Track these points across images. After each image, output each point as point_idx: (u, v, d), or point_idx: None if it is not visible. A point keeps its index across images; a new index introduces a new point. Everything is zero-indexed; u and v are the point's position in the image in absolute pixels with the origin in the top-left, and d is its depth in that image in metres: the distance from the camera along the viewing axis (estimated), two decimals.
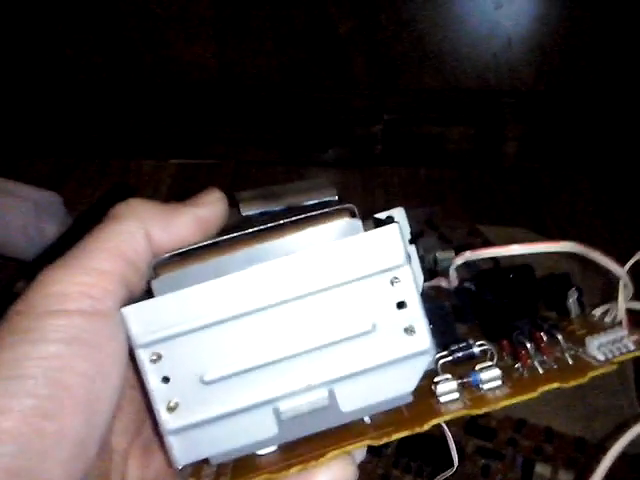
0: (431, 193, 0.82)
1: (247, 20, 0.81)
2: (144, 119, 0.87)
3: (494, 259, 0.29)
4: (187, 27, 0.82)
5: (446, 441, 0.27)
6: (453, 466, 0.28)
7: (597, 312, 0.28)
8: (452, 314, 0.27)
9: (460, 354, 0.25)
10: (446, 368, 0.24)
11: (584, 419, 0.54)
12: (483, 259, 0.27)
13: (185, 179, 0.85)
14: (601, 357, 0.24)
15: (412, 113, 0.84)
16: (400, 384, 0.22)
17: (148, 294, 0.22)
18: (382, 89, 0.83)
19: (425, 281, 0.25)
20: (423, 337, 0.22)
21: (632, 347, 0.24)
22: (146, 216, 0.22)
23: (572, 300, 0.28)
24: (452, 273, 0.28)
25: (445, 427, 0.26)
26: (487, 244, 0.71)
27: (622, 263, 0.26)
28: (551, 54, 0.79)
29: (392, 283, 0.22)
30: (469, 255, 0.27)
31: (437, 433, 0.28)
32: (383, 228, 0.22)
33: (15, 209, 0.69)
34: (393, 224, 0.22)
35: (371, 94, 0.84)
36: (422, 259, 0.76)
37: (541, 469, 0.48)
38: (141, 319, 0.21)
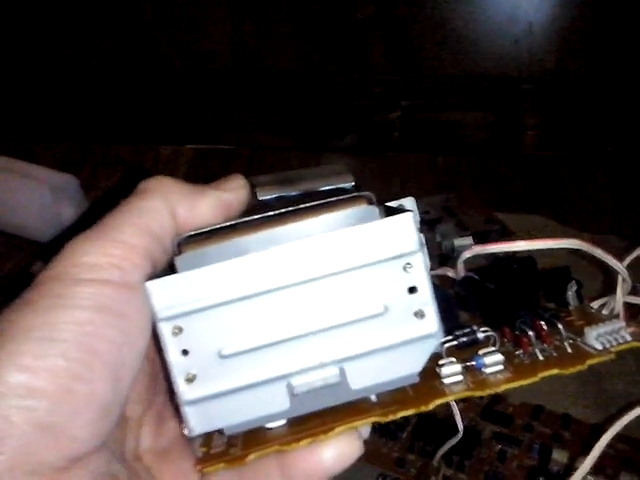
0: (448, 180, 0.81)
1: (263, 4, 0.80)
2: (160, 104, 0.87)
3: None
4: (203, 11, 0.82)
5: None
6: (458, 434, 0.30)
7: (595, 305, 0.29)
8: (455, 301, 0.29)
9: (464, 339, 0.26)
10: (450, 352, 0.25)
11: (602, 405, 0.54)
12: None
13: (201, 164, 0.85)
14: (599, 346, 0.25)
15: (430, 99, 0.83)
16: (408, 365, 0.23)
17: (171, 270, 0.22)
18: (400, 75, 0.83)
19: (432, 269, 0.25)
20: (432, 321, 0.23)
21: (629, 338, 0.25)
22: (173, 195, 0.23)
23: (571, 292, 0.29)
24: (460, 264, 0.29)
25: (453, 404, 0.27)
26: (505, 231, 0.71)
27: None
28: (573, 41, 0.78)
29: (405, 269, 0.23)
30: (478, 250, 0.28)
31: (451, 419, 0.29)
32: (398, 216, 0.22)
33: (32, 191, 0.70)
34: (408, 212, 0.23)
35: (389, 80, 0.83)
36: (439, 245, 0.75)
37: (558, 455, 0.48)
38: (164, 293, 0.22)
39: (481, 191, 0.79)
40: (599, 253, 0.26)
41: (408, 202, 0.27)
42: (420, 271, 0.23)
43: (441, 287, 0.28)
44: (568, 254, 0.67)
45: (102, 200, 0.73)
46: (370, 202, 0.23)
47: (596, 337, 0.25)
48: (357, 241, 0.22)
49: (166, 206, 0.23)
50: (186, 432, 0.23)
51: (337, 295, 0.22)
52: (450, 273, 0.30)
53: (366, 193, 0.23)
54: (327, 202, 0.23)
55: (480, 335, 0.26)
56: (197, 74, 0.86)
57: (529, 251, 0.27)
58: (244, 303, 0.22)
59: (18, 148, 0.82)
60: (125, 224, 0.22)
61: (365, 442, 0.24)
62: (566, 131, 0.83)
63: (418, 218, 0.25)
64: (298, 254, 0.22)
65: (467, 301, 0.29)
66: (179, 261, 0.22)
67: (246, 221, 0.23)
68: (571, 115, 0.82)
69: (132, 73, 0.87)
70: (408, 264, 0.22)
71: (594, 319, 0.27)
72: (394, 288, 0.23)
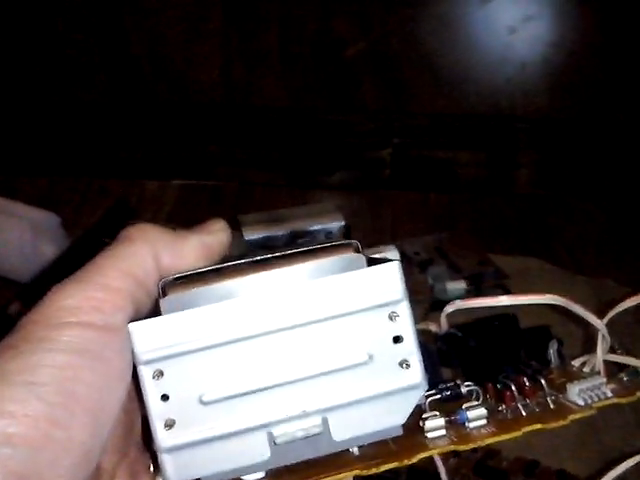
0: (440, 219, 0.80)
1: (254, 40, 0.80)
2: (147, 139, 0.86)
3: None
4: (193, 46, 0.81)
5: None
6: None
7: (576, 363, 0.29)
8: (438, 357, 0.29)
9: (448, 392, 0.26)
10: (434, 406, 0.25)
11: (599, 459, 0.52)
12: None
13: (188, 200, 0.83)
14: (581, 402, 0.26)
15: (422, 137, 0.82)
16: (392, 416, 0.23)
17: (155, 314, 0.22)
18: (392, 112, 0.82)
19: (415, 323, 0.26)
20: (416, 371, 0.23)
21: (610, 394, 0.26)
22: (156, 240, 0.24)
23: (552, 350, 0.29)
24: (443, 319, 0.29)
25: (437, 457, 0.28)
26: (499, 274, 0.69)
27: (603, 315, 0.27)
28: (566, 80, 0.78)
29: (390, 318, 0.23)
30: (460, 304, 0.28)
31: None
32: (385, 265, 0.23)
33: (11, 228, 0.68)
34: (395, 261, 0.23)
35: (380, 117, 0.82)
36: (431, 288, 0.73)
37: None
38: (147, 336, 0.22)
39: (475, 231, 0.78)
40: (578, 309, 0.27)
41: (390, 252, 0.26)
42: (405, 320, 0.23)
43: (424, 342, 0.28)
44: (551, 311, 0.66)
45: (83, 238, 0.70)
46: (357, 250, 0.23)
47: (578, 393, 0.26)
48: (343, 289, 0.22)
49: (149, 251, 0.23)
50: None
51: (321, 343, 0.22)
52: (433, 327, 0.30)
53: (353, 241, 0.23)
54: (314, 249, 0.23)
55: (463, 389, 0.26)
56: (186, 108, 0.85)
57: (511, 307, 0.28)
58: (227, 348, 0.22)
59: None
60: (108, 268, 0.22)
61: None
62: (560, 170, 0.82)
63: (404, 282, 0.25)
64: (284, 300, 0.22)
65: (449, 357, 0.29)
66: (164, 303, 0.22)
67: (232, 265, 0.23)
68: (565, 154, 0.81)
69: (120, 106, 0.85)
70: (394, 312, 0.23)
71: (575, 376, 0.27)
72: (379, 337, 0.23)
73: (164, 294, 0.22)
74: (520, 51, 0.77)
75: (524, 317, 0.30)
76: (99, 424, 0.21)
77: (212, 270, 0.23)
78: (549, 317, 0.31)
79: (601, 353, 0.28)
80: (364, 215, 0.79)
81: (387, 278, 0.22)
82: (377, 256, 0.26)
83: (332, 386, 0.22)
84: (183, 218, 0.78)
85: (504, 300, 0.27)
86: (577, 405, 0.26)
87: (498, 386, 0.27)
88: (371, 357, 0.22)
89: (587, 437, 0.54)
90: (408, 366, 0.23)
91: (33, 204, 0.72)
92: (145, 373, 0.22)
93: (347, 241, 0.23)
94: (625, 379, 0.27)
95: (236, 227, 0.28)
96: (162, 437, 0.22)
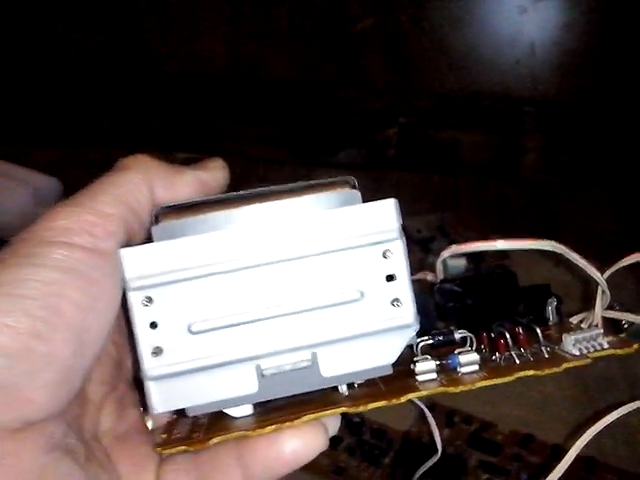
0: (444, 200, 0.79)
1: (262, 14, 0.79)
2: (153, 111, 0.86)
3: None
4: (199, 19, 0.81)
5: (445, 454, 0.27)
6: (437, 453, 0.30)
7: (574, 320, 0.28)
8: (434, 307, 0.29)
9: (441, 337, 0.26)
10: (426, 350, 0.25)
11: (595, 436, 0.52)
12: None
13: None
14: (576, 352, 0.26)
15: (429, 117, 0.82)
16: (382, 355, 0.23)
17: (148, 241, 0.22)
18: (398, 91, 0.81)
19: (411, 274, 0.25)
20: (408, 310, 0.22)
21: (606, 345, 0.26)
22: (151, 171, 0.24)
23: (551, 308, 0.29)
24: (439, 266, 0.29)
25: (427, 412, 0.29)
26: (499, 253, 0.68)
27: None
28: (575, 63, 0.77)
29: (384, 255, 0.22)
30: (455, 249, 0.28)
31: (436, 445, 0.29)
32: (381, 201, 0.22)
33: (13, 192, 0.68)
34: (391, 199, 0.22)
35: (387, 95, 0.81)
36: (432, 265, 0.73)
37: None
38: (137, 262, 0.22)
39: (478, 213, 0.77)
40: (576, 258, 0.26)
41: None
42: (399, 259, 0.22)
43: (420, 293, 0.28)
44: (551, 273, 0.65)
45: None
46: (353, 187, 0.23)
47: (573, 343, 0.26)
48: (338, 224, 0.22)
49: (144, 180, 0.23)
50: (149, 410, 0.22)
51: (313, 278, 0.22)
52: (429, 277, 0.30)
53: (349, 177, 0.23)
54: (311, 184, 0.23)
55: (457, 335, 0.26)
56: (191, 81, 0.84)
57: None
58: (219, 279, 0.22)
59: (3, 151, 0.80)
60: (101, 193, 0.22)
61: (347, 467, 0.22)
62: (567, 154, 0.81)
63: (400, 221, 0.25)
64: (277, 232, 0.22)
65: (446, 311, 0.29)
66: (156, 230, 0.22)
67: (227, 197, 0.23)
68: (573, 138, 0.81)
69: (126, 78, 0.85)
70: (388, 251, 0.22)
71: (572, 330, 0.27)
72: (372, 274, 0.22)
73: (157, 222, 0.22)
74: (530, 32, 0.76)
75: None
76: (83, 344, 0.21)
77: (206, 201, 0.23)
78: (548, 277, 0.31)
79: (600, 308, 0.27)
80: (367, 194, 0.79)
81: (383, 215, 0.22)
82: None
83: (322, 321, 0.22)
84: None
85: (500, 244, 0.27)
86: (572, 355, 0.25)
87: (492, 335, 0.26)
88: (363, 294, 0.22)
89: (585, 411, 0.54)
90: (400, 305, 0.22)
91: (37, 170, 0.72)
92: (134, 299, 0.22)
93: (343, 178, 0.23)
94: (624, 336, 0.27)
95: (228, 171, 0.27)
96: (149, 365, 0.22)
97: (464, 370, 0.25)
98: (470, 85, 0.79)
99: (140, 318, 0.22)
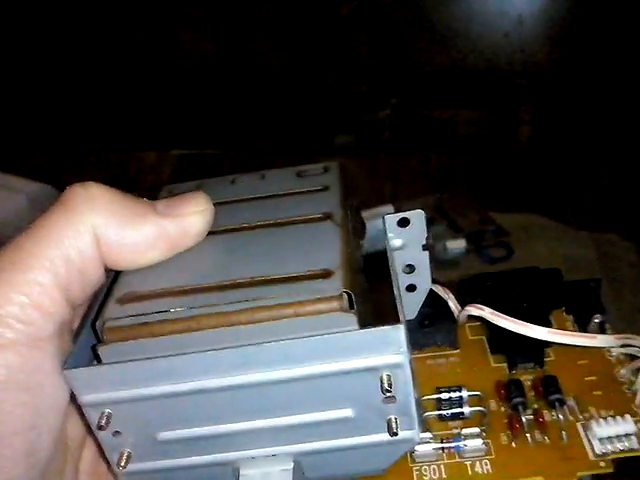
0: (441, 180, 0.78)
1: (246, 3, 0.78)
2: (144, 110, 0.85)
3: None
4: (186, 13, 0.80)
5: None
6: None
7: (615, 351, 0.26)
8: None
9: (449, 411, 0.24)
10: (429, 422, 0.24)
11: None
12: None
13: (186, 170, 0.82)
14: (598, 449, 0.23)
15: (420, 96, 0.81)
16: (375, 463, 0.21)
17: (94, 352, 0.20)
18: (388, 72, 0.80)
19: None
20: (410, 430, 0.20)
21: (636, 446, 0.23)
22: (103, 212, 0.19)
23: (595, 323, 0.27)
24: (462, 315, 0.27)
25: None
26: (500, 232, 0.68)
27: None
28: (564, 32, 0.76)
29: (388, 378, 0.19)
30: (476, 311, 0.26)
31: None
32: (388, 327, 0.19)
33: (7, 201, 0.67)
34: (399, 325, 0.19)
35: (376, 76, 0.81)
36: (432, 247, 0.72)
37: None
38: (86, 381, 0.19)
39: (476, 190, 0.76)
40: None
41: (416, 216, 0.24)
42: (404, 383, 0.19)
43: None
44: (550, 249, 0.61)
45: None
46: (347, 302, 0.19)
47: (600, 438, 0.23)
48: (328, 349, 0.19)
49: (89, 227, 0.19)
50: None
51: (298, 396, 0.19)
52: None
53: (344, 290, 0.19)
54: (291, 302, 0.19)
55: (466, 410, 0.24)
56: (180, 78, 0.84)
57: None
58: (182, 398, 0.19)
59: None
60: (35, 252, 0.18)
61: None
62: (562, 126, 0.80)
63: (425, 234, 0.24)
64: (250, 357, 0.19)
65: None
66: (103, 351, 0.19)
67: (186, 314, 0.19)
68: (567, 109, 0.80)
69: (115, 78, 0.84)
70: (392, 375, 0.19)
71: (602, 420, 0.24)
72: (369, 395, 0.19)
73: (105, 339, 0.19)
74: (517, 4, 0.75)
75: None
76: (35, 460, 0.18)
77: (166, 292, 0.20)
78: None
79: None
80: (365, 178, 0.78)
81: (388, 341, 0.19)
82: (400, 215, 0.23)
83: (309, 434, 0.20)
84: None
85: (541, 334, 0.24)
86: (593, 451, 0.23)
87: (512, 405, 0.24)
88: (357, 413, 0.20)
89: None
90: (401, 425, 0.20)
91: (31, 178, 0.71)
92: (91, 414, 0.20)
93: (334, 293, 0.19)
94: None
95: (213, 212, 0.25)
96: (119, 469, 0.20)
97: (467, 456, 0.23)
98: (460, 61, 0.78)
99: (100, 430, 0.20)
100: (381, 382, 0.19)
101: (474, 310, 0.26)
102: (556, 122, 0.80)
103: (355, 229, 0.24)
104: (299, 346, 0.19)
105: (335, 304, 0.19)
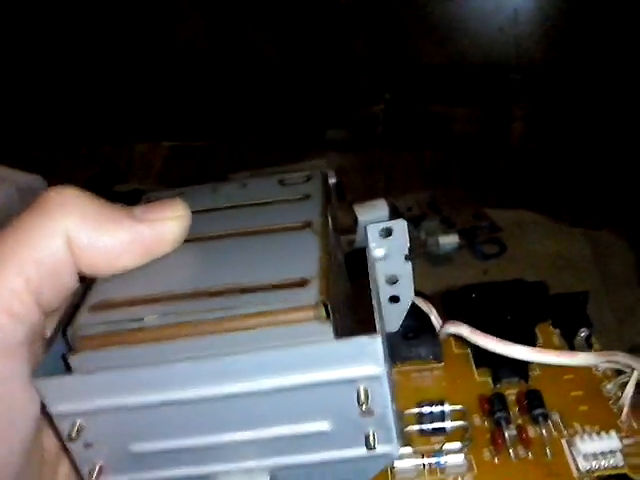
0: (435, 176, 0.78)
1: None
2: (136, 101, 0.84)
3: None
4: (179, 5, 0.79)
5: None
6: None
7: (602, 366, 0.26)
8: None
9: (430, 427, 0.24)
10: (410, 436, 0.23)
11: None
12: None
13: (177, 162, 0.81)
14: (582, 466, 0.23)
15: (415, 91, 0.80)
16: (353, 478, 0.20)
17: (64, 361, 0.19)
18: (383, 66, 0.80)
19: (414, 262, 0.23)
20: (389, 444, 0.20)
21: (621, 463, 0.23)
22: (75, 215, 0.19)
23: (580, 337, 0.27)
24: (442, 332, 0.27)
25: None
26: (493, 228, 0.68)
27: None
28: (559, 27, 0.75)
29: (365, 391, 0.19)
30: (469, 335, 0.26)
31: None
32: (365, 338, 0.18)
33: None
34: (376, 336, 0.18)
35: (372, 70, 0.80)
36: (424, 243, 0.72)
37: None
38: (57, 391, 0.19)
39: (470, 186, 0.76)
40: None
41: (380, 205, 0.25)
42: (382, 395, 0.19)
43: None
44: (542, 245, 0.61)
45: None
46: (325, 308, 0.18)
47: (584, 455, 0.23)
48: (304, 360, 0.18)
49: (62, 231, 0.19)
50: None
51: (277, 409, 0.19)
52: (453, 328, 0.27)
53: (321, 298, 0.18)
54: (267, 311, 0.19)
55: (448, 425, 0.24)
56: (173, 69, 0.83)
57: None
58: (154, 410, 0.19)
59: None
60: (7, 256, 0.18)
61: None
62: (556, 121, 0.80)
63: (407, 244, 0.23)
64: (225, 369, 0.18)
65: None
66: (73, 361, 0.19)
67: (158, 323, 0.19)
68: (561, 105, 0.79)
69: (107, 69, 0.84)
70: (369, 387, 0.19)
71: (586, 435, 0.23)
72: (346, 408, 0.19)
73: (75, 347, 0.19)
74: None
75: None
76: (6, 473, 0.18)
77: (137, 300, 0.19)
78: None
79: (631, 391, 0.24)
80: (358, 173, 0.78)
81: (364, 352, 0.18)
82: (383, 225, 0.23)
83: (285, 447, 0.20)
84: (173, 180, 0.77)
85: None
86: (577, 468, 0.23)
87: (490, 424, 0.24)
88: (334, 427, 0.19)
89: None
90: (379, 439, 0.19)
91: (23, 170, 0.71)
92: (61, 425, 0.19)
93: (311, 303, 0.18)
94: None
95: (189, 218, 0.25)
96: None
97: (449, 471, 0.23)
98: (455, 56, 0.78)
99: (72, 442, 0.19)
100: (358, 394, 0.18)
101: (453, 327, 0.26)
102: (550, 118, 0.80)
103: (336, 236, 0.24)
104: (273, 356, 0.18)
105: (310, 313, 0.18)
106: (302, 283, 0.19)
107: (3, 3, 0.81)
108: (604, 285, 0.63)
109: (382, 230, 0.23)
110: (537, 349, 0.25)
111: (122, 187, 0.72)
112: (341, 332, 0.18)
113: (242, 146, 0.83)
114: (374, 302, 0.21)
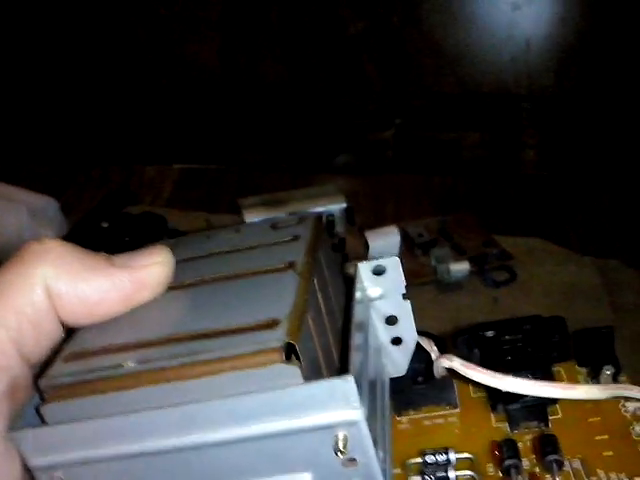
0: (445, 202, 0.78)
1: (254, 20, 0.78)
2: (147, 123, 0.85)
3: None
4: (192, 29, 0.80)
5: None
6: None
7: (630, 407, 0.24)
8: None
9: (433, 477, 0.23)
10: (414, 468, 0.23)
11: None
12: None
13: (188, 184, 0.82)
14: None
15: (425, 118, 0.81)
16: None
17: (37, 412, 0.19)
18: (394, 92, 0.80)
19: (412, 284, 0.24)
20: None
21: None
22: (54, 264, 0.19)
23: (607, 375, 0.25)
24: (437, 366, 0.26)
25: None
26: (503, 254, 0.68)
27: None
28: (571, 57, 0.76)
29: (344, 437, 0.18)
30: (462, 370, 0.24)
31: None
32: (336, 380, 0.17)
33: (9, 213, 0.67)
34: (348, 377, 0.17)
35: (383, 97, 0.81)
36: (435, 270, 0.71)
37: None
38: (34, 443, 0.19)
39: (480, 213, 0.76)
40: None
41: (391, 232, 0.24)
42: (363, 442, 0.18)
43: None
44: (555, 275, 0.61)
45: (82, 223, 0.70)
46: (293, 351, 0.18)
47: None
48: (274, 406, 0.18)
49: (41, 279, 0.19)
50: None
51: (253, 459, 0.18)
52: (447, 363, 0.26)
53: (288, 341, 0.18)
54: (234, 354, 0.18)
55: (452, 475, 0.23)
56: (185, 92, 0.84)
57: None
58: (134, 460, 0.19)
59: (1, 170, 0.80)
60: None
61: None
62: (567, 150, 0.80)
63: (402, 281, 0.23)
64: (197, 415, 0.18)
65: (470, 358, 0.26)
66: (45, 411, 0.19)
67: (127, 371, 0.19)
68: (572, 134, 0.80)
69: (119, 92, 0.84)
70: (347, 433, 0.17)
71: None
72: (325, 457, 0.18)
73: (45, 397, 0.19)
74: (524, 28, 0.75)
75: None
76: None
77: (111, 348, 0.19)
78: None
79: None
80: (367, 198, 0.78)
81: (337, 396, 0.17)
82: (375, 264, 0.23)
83: None
84: (183, 203, 0.77)
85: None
86: None
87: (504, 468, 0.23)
88: (317, 478, 0.18)
89: None
90: None
91: (33, 190, 0.71)
92: (41, 479, 0.19)
93: (274, 345, 0.18)
94: None
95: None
96: None
97: None
98: (466, 84, 0.78)
99: None
100: (336, 442, 0.17)
101: (445, 361, 0.25)
102: (561, 146, 0.80)
103: (334, 273, 0.24)
104: (240, 403, 0.17)
105: (276, 356, 0.17)
106: (271, 324, 0.18)
107: (16, 21, 0.82)
108: (614, 315, 0.63)
109: (375, 268, 0.23)
110: (533, 381, 0.23)
111: (133, 209, 0.72)
112: (330, 375, 0.18)
113: (252, 169, 0.83)
114: (351, 341, 0.20)
